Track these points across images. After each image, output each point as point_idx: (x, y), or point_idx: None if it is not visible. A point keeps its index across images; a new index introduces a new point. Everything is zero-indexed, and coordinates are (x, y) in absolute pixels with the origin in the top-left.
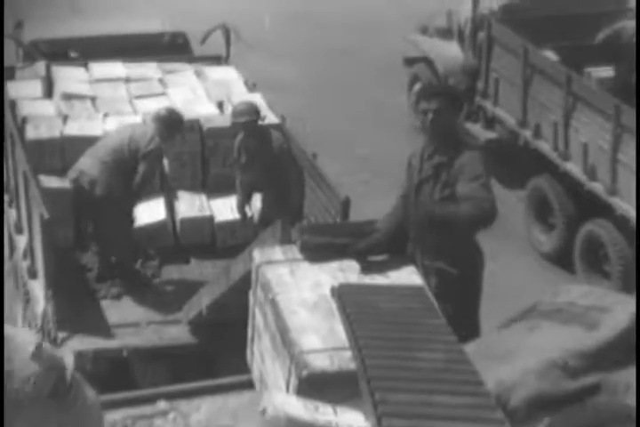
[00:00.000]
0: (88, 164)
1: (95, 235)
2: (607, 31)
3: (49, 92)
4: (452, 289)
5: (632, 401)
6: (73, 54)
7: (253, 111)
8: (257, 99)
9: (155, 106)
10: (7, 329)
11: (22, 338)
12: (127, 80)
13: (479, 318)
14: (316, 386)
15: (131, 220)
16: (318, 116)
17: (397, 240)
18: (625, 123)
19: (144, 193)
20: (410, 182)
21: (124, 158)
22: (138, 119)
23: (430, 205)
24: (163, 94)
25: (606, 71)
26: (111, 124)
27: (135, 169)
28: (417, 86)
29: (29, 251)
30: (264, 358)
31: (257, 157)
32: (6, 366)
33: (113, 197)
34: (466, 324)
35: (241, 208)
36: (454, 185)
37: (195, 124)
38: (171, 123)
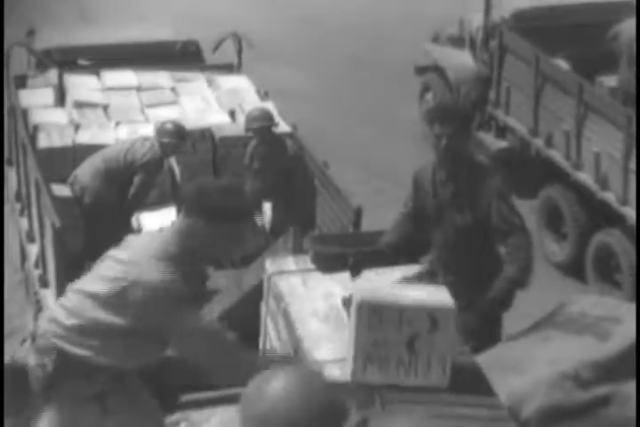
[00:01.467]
0: (83, 170)
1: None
2: (609, 34)
3: (61, 100)
4: (477, 303)
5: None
6: (85, 63)
7: (267, 117)
8: (269, 107)
9: (167, 114)
10: None
11: None
12: (139, 89)
13: (501, 330)
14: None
15: (128, 229)
16: (330, 125)
17: (400, 254)
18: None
19: (139, 204)
20: (417, 203)
21: (118, 168)
22: (149, 128)
23: (492, 297)
24: (175, 103)
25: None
26: (123, 133)
27: (130, 180)
28: (428, 95)
29: (41, 260)
30: None
31: (269, 164)
32: None
33: (101, 205)
34: (489, 337)
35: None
36: (478, 210)
37: (206, 133)
38: (175, 135)
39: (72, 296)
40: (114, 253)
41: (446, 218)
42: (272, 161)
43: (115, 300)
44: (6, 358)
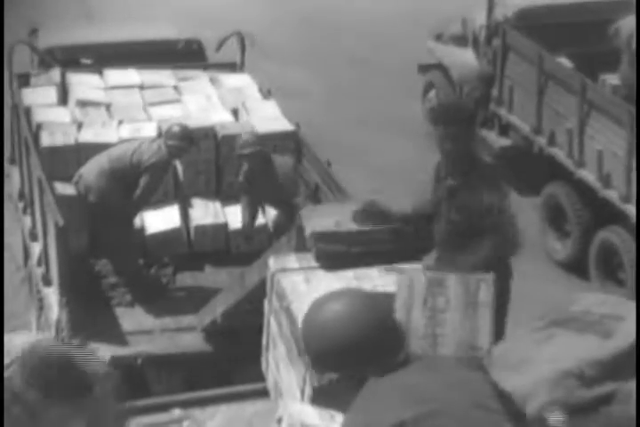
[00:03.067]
0: (88, 169)
1: (100, 241)
2: (609, 31)
3: (64, 98)
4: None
5: None
6: (87, 61)
7: (258, 142)
8: (271, 106)
9: (169, 113)
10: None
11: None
12: (142, 87)
13: (505, 327)
14: (330, 395)
15: (131, 228)
16: (332, 124)
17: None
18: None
19: (144, 205)
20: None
21: (124, 169)
22: (152, 126)
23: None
24: (177, 101)
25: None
26: (126, 131)
27: (135, 181)
28: (431, 93)
29: (44, 258)
30: (279, 367)
31: (261, 186)
32: None
33: (105, 205)
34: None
35: (249, 227)
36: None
37: (209, 132)
38: (183, 138)
39: None
40: None
41: (443, 215)
42: (264, 183)
43: None
44: None
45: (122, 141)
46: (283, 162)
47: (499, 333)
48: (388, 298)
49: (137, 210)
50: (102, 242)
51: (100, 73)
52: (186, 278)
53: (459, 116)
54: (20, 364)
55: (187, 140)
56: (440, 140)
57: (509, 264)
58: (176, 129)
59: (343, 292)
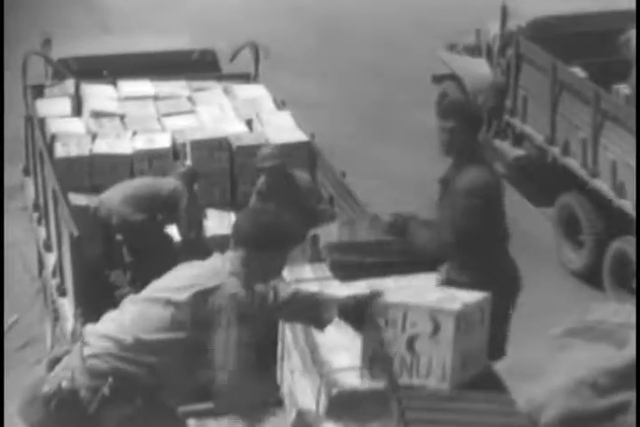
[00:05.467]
0: (108, 195)
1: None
2: (619, 41)
3: (78, 109)
4: None
5: None
6: (102, 72)
7: (279, 155)
8: (286, 117)
9: (183, 124)
10: None
11: None
12: (156, 98)
13: (505, 338)
14: (345, 404)
15: (166, 244)
16: (347, 134)
17: None
18: None
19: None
20: None
21: (146, 197)
22: (166, 137)
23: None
24: (191, 112)
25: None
26: (140, 142)
27: (156, 213)
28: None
29: (59, 269)
30: (294, 376)
31: (278, 201)
32: None
33: (128, 226)
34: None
35: None
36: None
37: (223, 143)
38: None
39: (131, 308)
40: (171, 272)
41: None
42: (284, 198)
43: (187, 307)
44: (51, 384)
45: (139, 178)
46: (303, 176)
47: (500, 348)
48: None
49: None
50: (138, 257)
51: (115, 84)
52: None
53: (457, 109)
54: None
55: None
56: (440, 134)
57: (518, 278)
58: (183, 170)
59: None
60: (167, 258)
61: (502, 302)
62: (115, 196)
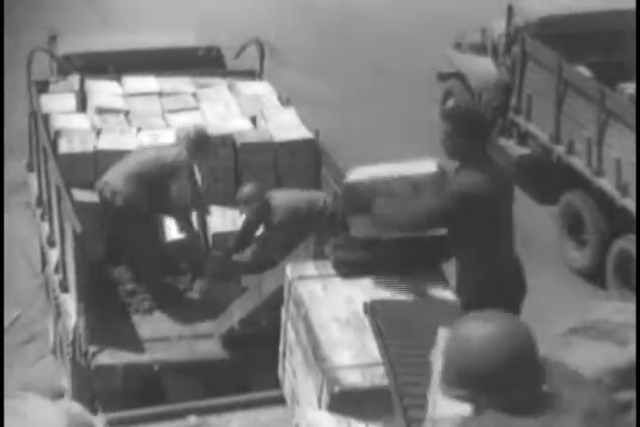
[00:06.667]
0: (113, 175)
1: (122, 247)
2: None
3: (82, 105)
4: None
5: None
6: (107, 68)
7: (260, 194)
8: (290, 114)
9: (188, 120)
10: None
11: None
12: (160, 94)
13: None
14: (347, 402)
15: (157, 233)
16: (351, 131)
17: None
18: None
19: (175, 209)
20: None
21: (150, 172)
22: (171, 133)
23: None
24: (196, 109)
25: None
26: (144, 139)
27: (161, 185)
28: (450, 102)
29: (61, 265)
30: (296, 374)
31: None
32: None
33: (134, 209)
34: None
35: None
36: None
37: (228, 140)
38: (200, 142)
39: None
40: None
41: None
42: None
43: None
44: None
45: (142, 148)
46: (282, 208)
47: None
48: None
49: (169, 214)
50: (125, 248)
51: (119, 80)
52: (203, 286)
53: (452, 114)
54: None
55: (206, 143)
56: (443, 136)
57: (523, 280)
58: (192, 135)
59: (498, 315)
60: (147, 253)
61: (502, 306)
62: (118, 176)
